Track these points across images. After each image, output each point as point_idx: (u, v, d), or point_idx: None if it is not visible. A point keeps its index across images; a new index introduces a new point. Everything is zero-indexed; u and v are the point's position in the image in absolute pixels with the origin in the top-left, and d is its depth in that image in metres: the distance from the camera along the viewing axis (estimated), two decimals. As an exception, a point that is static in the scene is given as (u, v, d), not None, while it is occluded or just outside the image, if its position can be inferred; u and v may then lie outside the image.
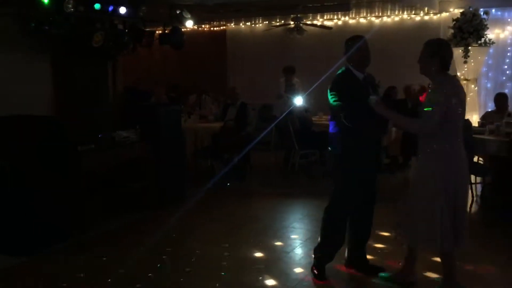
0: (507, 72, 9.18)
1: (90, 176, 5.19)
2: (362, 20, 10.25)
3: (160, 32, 7.10)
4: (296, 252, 4.60)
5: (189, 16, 6.85)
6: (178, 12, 6.76)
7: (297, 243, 4.84)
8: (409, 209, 3.62)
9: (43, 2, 5.20)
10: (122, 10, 5.82)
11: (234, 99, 8.05)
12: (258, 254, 4.54)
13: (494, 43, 8.79)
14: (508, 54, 9.14)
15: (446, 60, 3.50)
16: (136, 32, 6.34)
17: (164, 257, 4.48)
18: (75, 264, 4.37)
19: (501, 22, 9.10)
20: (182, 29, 7.29)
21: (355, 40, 3.88)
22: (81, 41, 5.63)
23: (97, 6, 5.46)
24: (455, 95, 3.42)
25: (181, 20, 6.87)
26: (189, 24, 7.14)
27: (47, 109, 5.70)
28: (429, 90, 3.62)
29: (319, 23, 10.03)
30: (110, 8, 5.70)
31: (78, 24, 5.53)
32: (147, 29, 6.77)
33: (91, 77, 6.30)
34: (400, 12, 9.74)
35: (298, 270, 4.18)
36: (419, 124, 3.51)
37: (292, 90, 8.50)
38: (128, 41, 6.19)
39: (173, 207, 5.95)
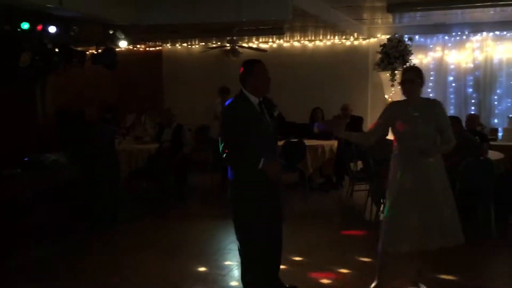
0: (431, 95, 9.73)
1: (15, 202, 4.94)
2: (296, 44, 10.56)
3: (93, 52, 6.96)
4: (231, 275, 4.58)
5: (123, 36, 6.76)
6: (111, 32, 6.65)
7: (234, 265, 4.83)
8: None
9: (-35, 20, 4.96)
10: (52, 29, 5.66)
11: (170, 121, 7.98)
12: (194, 278, 4.48)
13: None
14: (431, 78, 9.73)
15: None
16: (66, 52, 6.17)
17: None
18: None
19: (423, 48, 9.70)
20: (116, 49, 7.19)
21: (251, 65, 3.71)
22: (7, 61, 5.40)
23: (23, 25, 5.26)
24: None
25: (114, 41, 6.77)
26: (123, 44, 7.05)
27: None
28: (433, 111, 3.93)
29: (254, 46, 10.22)
30: (39, 28, 5.53)
31: (3, 44, 5.31)
32: (79, 49, 6.62)
33: (18, 98, 6.05)
34: (332, 37, 10.13)
35: (233, 292, 4.17)
36: (454, 142, 3.90)
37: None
38: (58, 61, 6.01)
39: (105, 232, 5.77)
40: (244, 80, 3.70)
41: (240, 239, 3.83)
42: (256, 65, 3.72)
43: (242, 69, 3.73)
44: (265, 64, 3.75)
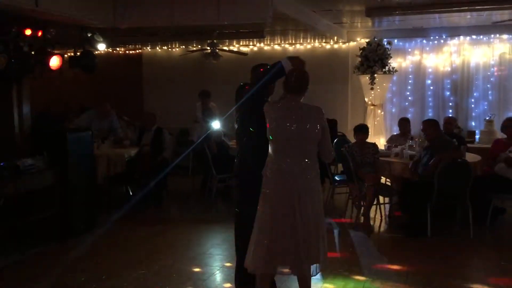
0: (409, 98, 9.88)
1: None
2: (277, 47, 10.59)
3: (71, 54, 6.85)
4: (213, 279, 4.55)
5: (101, 39, 6.66)
6: (89, 35, 6.55)
7: (215, 269, 4.79)
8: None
9: None
10: (28, 32, 5.55)
11: (151, 124, 7.92)
12: (174, 283, 4.43)
13: (397, 71, 9.46)
14: (410, 81, 9.85)
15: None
16: (43, 54, 6.06)
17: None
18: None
19: (402, 52, 9.81)
20: (95, 52, 7.08)
21: (254, 69, 3.96)
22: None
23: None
24: (275, 115, 3.53)
25: (92, 43, 6.66)
26: (102, 47, 6.94)
27: None
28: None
29: (235, 49, 10.21)
30: (14, 30, 5.42)
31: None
32: (57, 52, 6.50)
33: (-7, 101, 5.92)
34: (312, 40, 10.18)
35: (214, 297, 4.14)
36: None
37: (209, 114, 8.53)
38: (35, 64, 5.90)
39: (82, 237, 5.68)
40: (252, 84, 3.83)
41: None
42: (257, 68, 3.95)
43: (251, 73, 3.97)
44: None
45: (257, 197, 3.63)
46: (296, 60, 3.67)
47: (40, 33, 5.84)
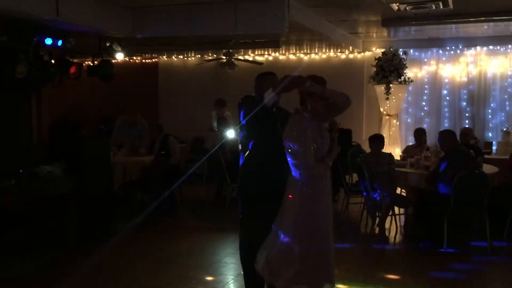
0: (425, 108, 9.82)
1: (7, 213, 4.90)
2: (292, 56, 10.62)
3: (89, 63, 6.97)
4: (227, 288, 4.55)
5: (119, 48, 6.78)
6: (108, 44, 6.67)
7: (229, 278, 4.79)
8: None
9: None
10: (48, 41, 5.67)
11: (157, 133, 8.01)
12: (188, 291, 4.45)
13: (413, 81, 9.41)
14: (425, 91, 9.80)
15: None
16: (63, 63, 6.18)
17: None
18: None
19: (418, 62, 9.77)
20: (112, 61, 7.20)
21: (258, 77, 3.97)
22: (3, 72, 5.40)
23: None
24: None
25: (111, 53, 6.78)
26: (120, 56, 7.07)
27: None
28: None
29: (250, 58, 10.27)
30: (36, 39, 5.54)
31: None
32: (76, 61, 6.63)
33: (13, 109, 6.03)
34: (327, 50, 10.19)
35: (228, 306, 4.14)
36: None
37: (223, 123, 8.57)
38: (54, 72, 6.01)
39: (98, 244, 5.73)
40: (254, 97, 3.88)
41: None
42: (258, 77, 4.00)
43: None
44: (270, 78, 3.89)
45: (255, 205, 3.67)
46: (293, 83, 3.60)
47: (60, 42, 5.95)
